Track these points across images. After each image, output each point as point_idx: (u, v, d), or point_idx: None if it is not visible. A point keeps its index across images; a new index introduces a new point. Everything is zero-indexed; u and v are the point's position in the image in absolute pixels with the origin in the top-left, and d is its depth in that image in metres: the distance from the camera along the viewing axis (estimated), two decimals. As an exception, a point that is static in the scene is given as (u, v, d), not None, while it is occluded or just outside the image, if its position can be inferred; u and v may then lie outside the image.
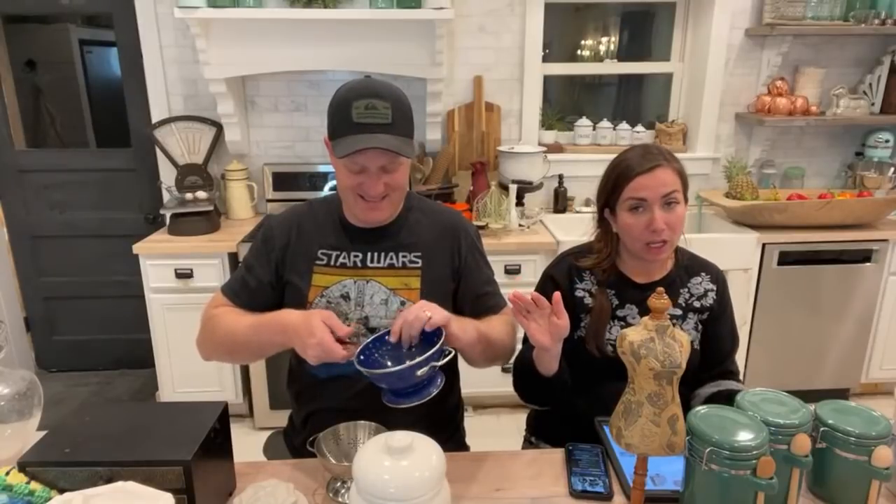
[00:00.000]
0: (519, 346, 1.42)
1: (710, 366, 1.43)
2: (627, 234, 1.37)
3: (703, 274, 1.46)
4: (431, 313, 1.14)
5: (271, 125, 3.11)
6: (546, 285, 1.45)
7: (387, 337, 1.18)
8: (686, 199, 1.38)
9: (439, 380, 1.13)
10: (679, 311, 1.42)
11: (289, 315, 1.21)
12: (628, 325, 1.40)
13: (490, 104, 3.11)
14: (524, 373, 1.34)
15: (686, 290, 1.44)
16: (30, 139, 3.30)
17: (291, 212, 1.45)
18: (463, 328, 1.20)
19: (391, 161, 1.25)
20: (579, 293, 1.44)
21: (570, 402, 1.39)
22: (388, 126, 1.22)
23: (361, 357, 1.14)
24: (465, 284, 1.41)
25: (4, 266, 3.24)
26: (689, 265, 1.47)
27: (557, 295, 1.17)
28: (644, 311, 1.39)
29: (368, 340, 1.18)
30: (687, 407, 1.03)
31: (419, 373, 1.06)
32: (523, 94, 3.12)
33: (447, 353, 1.12)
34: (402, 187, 1.34)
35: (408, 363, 1.06)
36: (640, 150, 1.38)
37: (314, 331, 1.11)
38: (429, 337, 1.14)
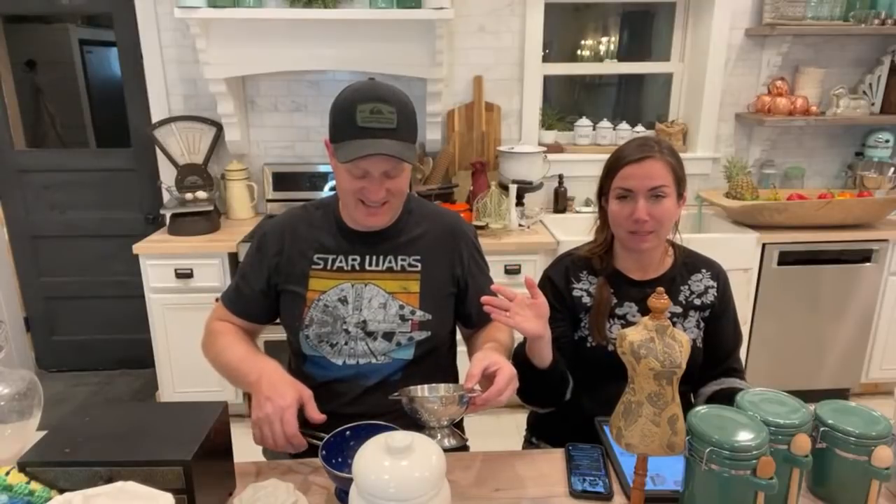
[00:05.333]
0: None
1: (714, 363, 1.43)
2: (613, 221, 1.39)
3: (703, 271, 1.46)
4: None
5: (271, 125, 3.11)
6: (544, 286, 1.46)
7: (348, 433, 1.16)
8: (680, 195, 1.37)
9: None
10: (679, 309, 1.42)
11: (271, 371, 1.22)
12: (628, 322, 1.40)
13: (490, 104, 3.11)
14: (521, 371, 1.33)
15: (686, 287, 1.43)
16: (30, 139, 3.30)
17: (286, 216, 1.44)
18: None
19: (394, 167, 1.24)
20: (577, 293, 1.44)
21: (574, 402, 1.39)
22: (392, 131, 1.21)
23: (332, 439, 1.13)
24: (471, 290, 1.41)
25: (4, 266, 3.24)
26: (688, 262, 1.46)
27: (528, 277, 1.22)
28: (643, 308, 1.39)
29: (343, 428, 1.16)
30: (690, 405, 1.04)
31: None
32: (523, 94, 3.12)
33: None
34: (403, 193, 1.33)
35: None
36: (638, 140, 1.39)
37: (266, 409, 1.15)
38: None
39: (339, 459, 1.14)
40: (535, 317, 1.19)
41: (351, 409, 1.31)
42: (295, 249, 1.38)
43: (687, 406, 1.01)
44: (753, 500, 0.94)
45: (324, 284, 1.35)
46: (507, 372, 1.14)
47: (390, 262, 1.36)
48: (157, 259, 2.65)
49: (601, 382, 1.36)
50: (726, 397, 1.24)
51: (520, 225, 2.83)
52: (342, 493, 1.09)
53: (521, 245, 2.70)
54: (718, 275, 1.46)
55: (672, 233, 1.44)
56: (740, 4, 3.04)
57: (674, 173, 1.35)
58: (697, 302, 1.42)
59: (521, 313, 1.19)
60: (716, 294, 1.44)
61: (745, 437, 0.94)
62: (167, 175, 3.02)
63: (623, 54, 3.44)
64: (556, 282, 1.45)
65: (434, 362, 1.40)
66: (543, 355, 1.26)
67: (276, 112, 3.09)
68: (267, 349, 1.42)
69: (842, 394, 2.99)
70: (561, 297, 1.44)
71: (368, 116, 1.20)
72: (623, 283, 1.43)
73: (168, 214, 2.79)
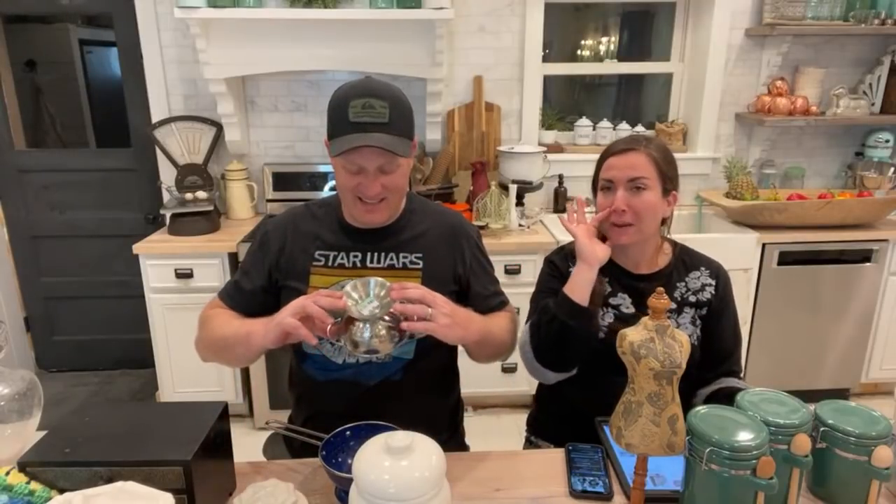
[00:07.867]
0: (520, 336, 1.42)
1: (713, 365, 1.42)
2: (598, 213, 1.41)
3: (702, 269, 1.46)
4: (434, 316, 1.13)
5: (271, 125, 3.11)
6: (547, 269, 1.49)
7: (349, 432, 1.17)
8: (667, 190, 1.38)
9: None
10: (674, 306, 1.42)
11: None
12: (621, 313, 1.41)
13: (490, 104, 3.11)
14: (546, 320, 1.32)
15: (683, 283, 1.44)
16: (30, 139, 3.30)
17: (288, 214, 1.44)
18: (467, 328, 1.21)
19: (389, 161, 1.25)
20: None
21: (574, 401, 1.38)
22: (384, 125, 1.22)
23: (332, 439, 1.14)
24: (473, 290, 1.41)
25: (4, 266, 3.24)
26: (687, 260, 1.47)
27: (580, 198, 1.39)
28: (636, 300, 1.41)
29: (343, 428, 1.17)
30: (688, 405, 1.04)
31: None
32: (523, 94, 3.12)
33: None
34: (401, 189, 1.34)
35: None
36: (628, 137, 1.44)
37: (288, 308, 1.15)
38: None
39: (339, 459, 1.14)
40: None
41: (352, 407, 1.31)
42: (297, 246, 1.38)
43: (686, 406, 1.01)
44: (753, 500, 0.94)
45: (324, 281, 1.35)
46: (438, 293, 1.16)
47: (391, 259, 1.36)
48: (157, 259, 2.65)
49: (597, 376, 1.36)
50: (725, 397, 1.24)
51: (520, 225, 2.83)
52: (342, 493, 1.09)
53: (521, 245, 2.70)
54: (718, 274, 1.46)
55: (664, 231, 1.44)
56: (740, 4, 3.04)
57: (657, 167, 1.36)
58: (693, 299, 1.43)
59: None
60: (713, 292, 1.43)
61: (745, 437, 0.94)
62: (167, 175, 3.02)
63: (623, 54, 3.44)
64: (559, 264, 1.48)
65: (435, 361, 1.40)
66: (587, 290, 1.31)
67: (276, 112, 3.09)
68: (267, 350, 1.41)
69: (842, 394, 2.99)
70: (563, 278, 1.44)
71: (360, 111, 1.21)
72: (619, 273, 1.44)
73: (168, 214, 2.79)
